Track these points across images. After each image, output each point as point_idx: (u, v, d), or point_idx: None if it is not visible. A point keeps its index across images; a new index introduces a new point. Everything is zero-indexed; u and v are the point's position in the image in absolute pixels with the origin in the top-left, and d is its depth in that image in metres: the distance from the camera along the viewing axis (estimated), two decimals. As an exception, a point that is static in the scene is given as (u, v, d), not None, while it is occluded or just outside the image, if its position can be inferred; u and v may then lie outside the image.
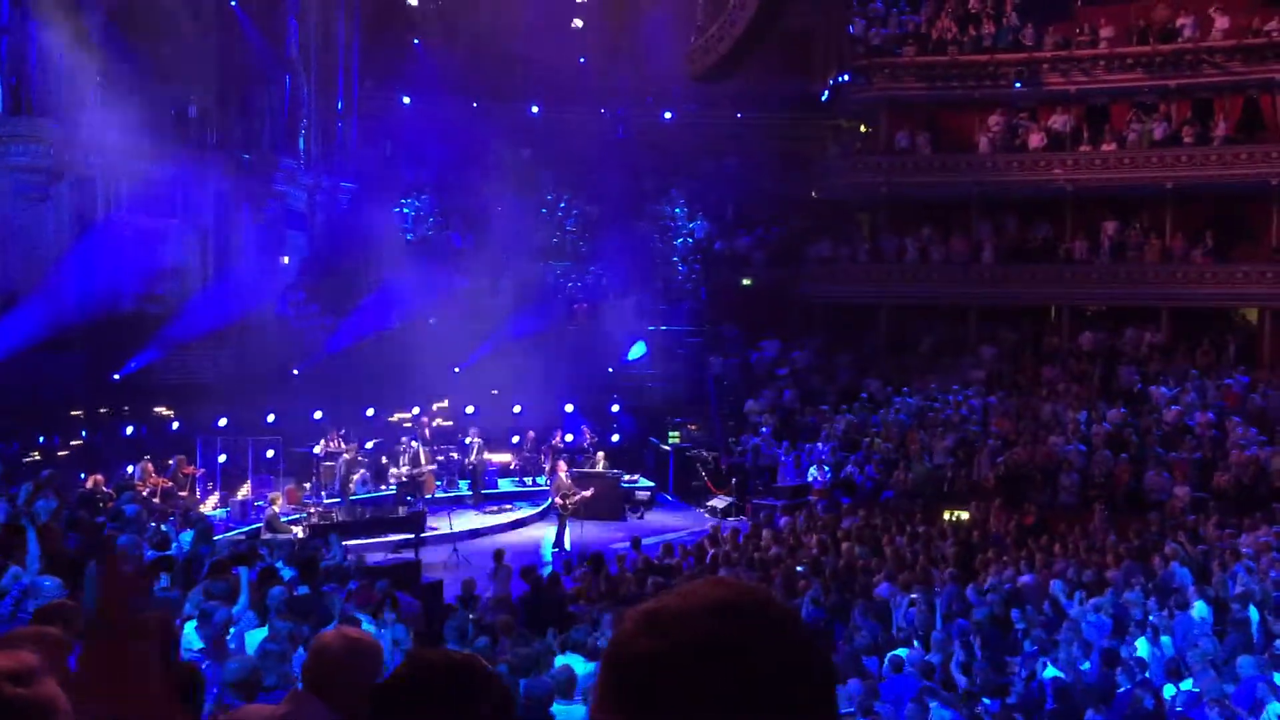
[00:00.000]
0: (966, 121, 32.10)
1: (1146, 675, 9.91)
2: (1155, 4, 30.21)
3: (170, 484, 19.55)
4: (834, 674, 1.34)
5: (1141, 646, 11.07)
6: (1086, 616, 12.38)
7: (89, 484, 17.37)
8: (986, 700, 9.44)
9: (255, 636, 8.25)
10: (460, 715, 2.33)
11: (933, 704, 8.77)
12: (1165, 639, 11.37)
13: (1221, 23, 29.01)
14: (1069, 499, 22.04)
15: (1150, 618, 12.21)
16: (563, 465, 22.12)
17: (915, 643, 11.54)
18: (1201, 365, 27.27)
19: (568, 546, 20.31)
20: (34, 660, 1.42)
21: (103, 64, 22.81)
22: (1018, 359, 29.61)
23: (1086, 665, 10.48)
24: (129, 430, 21.17)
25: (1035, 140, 31.11)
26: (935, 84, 31.67)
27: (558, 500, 21.27)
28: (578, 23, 34.71)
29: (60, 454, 19.59)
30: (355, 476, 22.42)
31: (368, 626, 9.36)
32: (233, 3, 27.51)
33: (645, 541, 18.72)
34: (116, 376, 22.10)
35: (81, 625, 4.69)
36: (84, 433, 20.87)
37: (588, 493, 21.23)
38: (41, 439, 19.59)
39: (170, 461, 20.10)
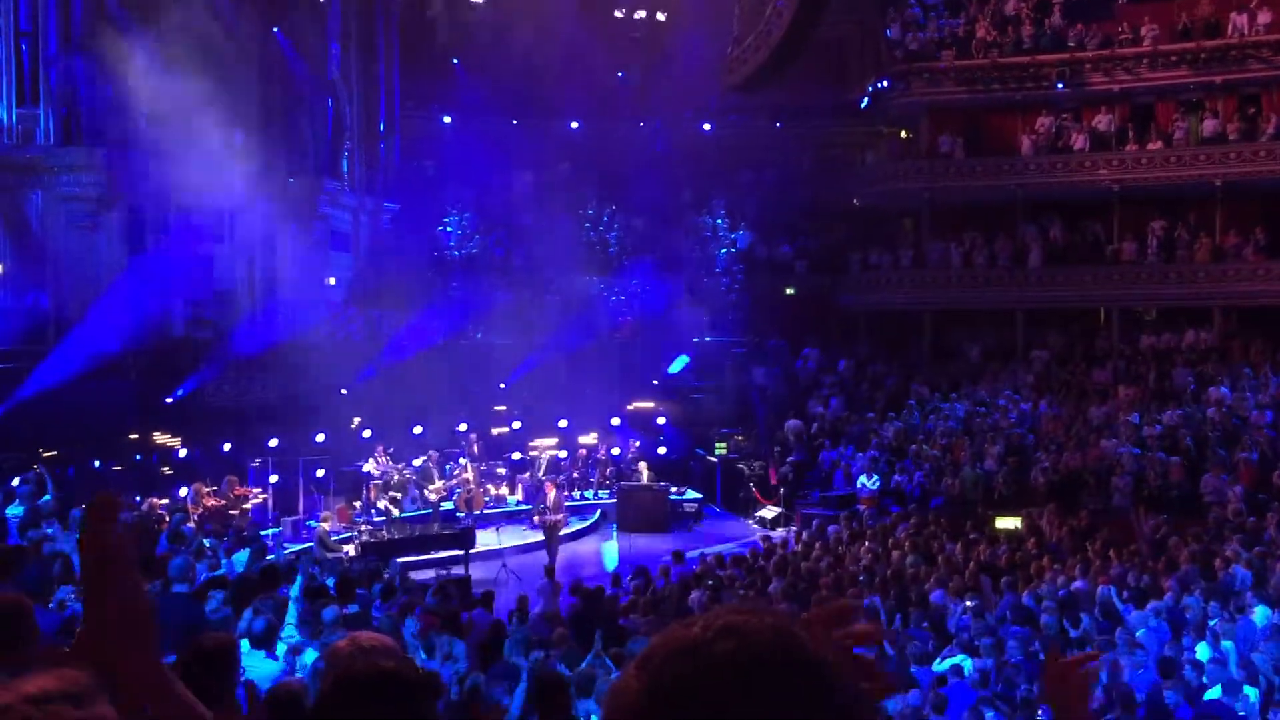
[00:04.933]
0: (1009, 124, 31.83)
1: (1204, 680, 9.74)
2: (1198, 0, 29.83)
3: (223, 504, 19.77)
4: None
5: (1202, 651, 10.88)
6: (1148, 622, 12.19)
7: (145, 507, 17.60)
8: (1043, 710, 9.30)
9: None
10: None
11: (989, 713, 8.66)
12: (1226, 643, 11.16)
13: (1265, 17, 28.59)
14: (1122, 502, 21.72)
15: (1211, 622, 11.99)
16: (550, 485, 21.96)
17: (972, 650, 11.40)
18: (1256, 364, 26.80)
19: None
20: (87, 679, 1.42)
21: (149, 92, 23.17)
22: (1067, 362, 29.26)
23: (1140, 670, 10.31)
24: (182, 453, 21.44)
25: (1079, 141, 30.78)
26: (976, 87, 31.44)
27: (538, 519, 21.15)
28: (615, 37, 34.81)
29: (114, 476, 19.87)
30: (397, 499, 22.54)
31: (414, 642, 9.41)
32: (275, 29, 27.87)
33: (692, 553, 18.69)
34: (169, 400, 22.40)
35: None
36: (138, 456, 21.16)
37: (559, 516, 21.01)
38: (96, 464, 19.87)
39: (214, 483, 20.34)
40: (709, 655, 1.15)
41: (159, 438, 21.69)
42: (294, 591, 10.49)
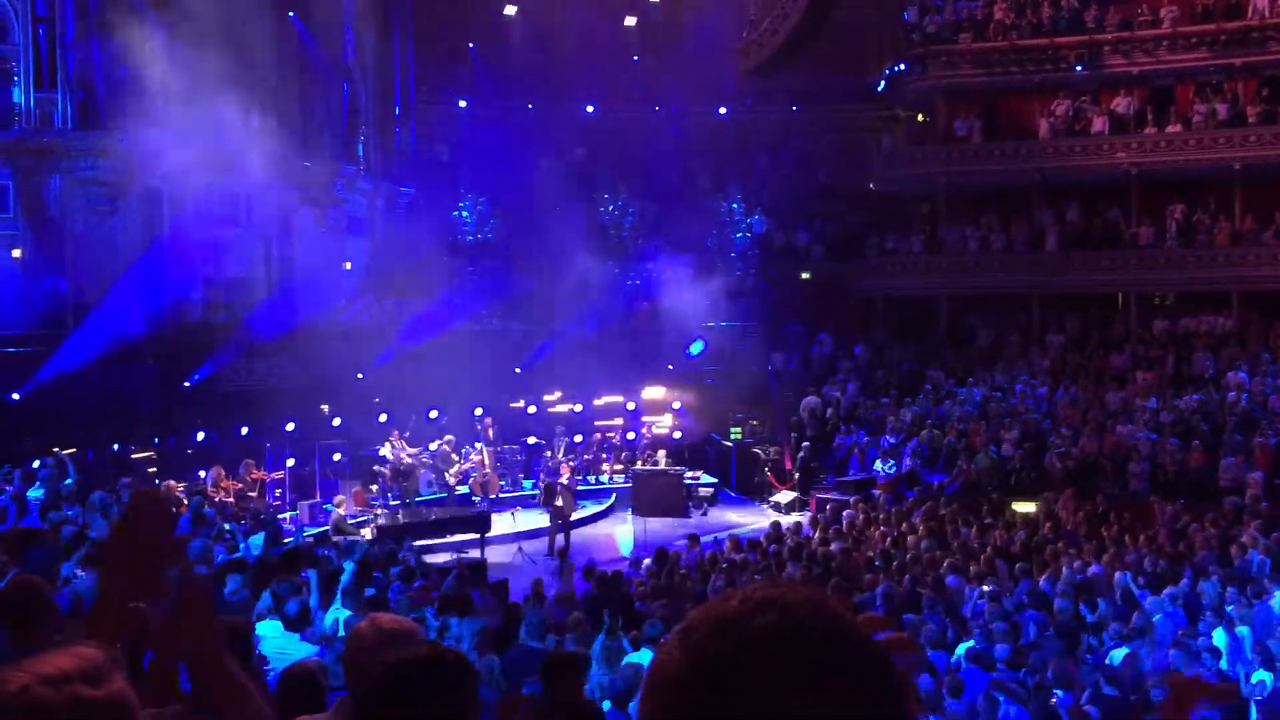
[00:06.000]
0: (1026, 107, 31.64)
1: (1222, 665, 9.72)
2: (1219, -19, 29.59)
3: (240, 487, 19.89)
4: (898, 704, 1.20)
5: (1218, 636, 10.85)
6: (1164, 607, 12.17)
7: (163, 490, 17.72)
8: (1059, 693, 9.30)
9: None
10: (442, 707, 2.44)
11: (1001, 698, 8.66)
12: (1243, 629, 11.13)
13: (1288, -2, 28.35)
14: (1139, 488, 21.66)
15: (1228, 608, 11.96)
16: (566, 467, 21.80)
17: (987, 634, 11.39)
18: (1275, 349, 26.64)
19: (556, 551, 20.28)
20: (101, 657, 1.43)
21: (166, 77, 23.23)
22: (1084, 347, 29.14)
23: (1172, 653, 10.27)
24: (200, 437, 21.57)
25: (1098, 124, 30.57)
26: (994, 70, 31.25)
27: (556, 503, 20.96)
28: (630, 21, 34.74)
29: (134, 460, 20.02)
30: (414, 470, 22.63)
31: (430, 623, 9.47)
32: (291, 13, 27.88)
33: (706, 538, 18.72)
34: (186, 384, 22.52)
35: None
36: (156, 440, 21.30)
37: (559, 501, 20.78)
38: (115, 447, 20.01)
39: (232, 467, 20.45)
40: (750, 627, 1.18)
41: (177, 421, 21.82)
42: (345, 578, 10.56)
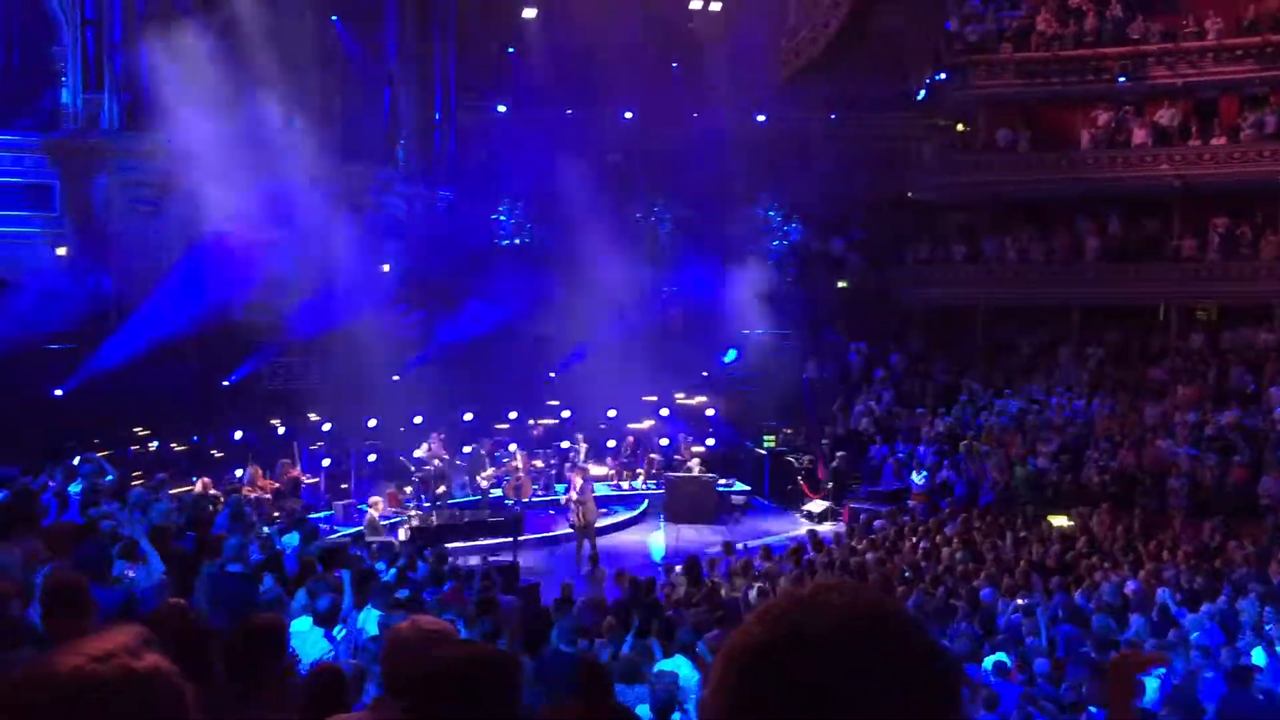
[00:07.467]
0: (1068, 118, 31.35)
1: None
2: (1265, -7, 29.20)
3: (277, 486, 20.07)
4: (955, 688, 1.36)
5: (1257, 655, 10.72)
6: (1201, 625, 12.04)
7: (198, 487, 17.92)
8: (1093, 710, 9.23)
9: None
10: (496, 704, 2.46)
11: (1035, 713, 8.60)
12: (1282, 648, 10.99)
13: (1337, 10, 27.94)
14: (1178, 503, 21.42)
15: (1266, 626, 11.82)
16: (578, 475, 21.58)
17: (1017, 649, 11.31)
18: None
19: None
20: (142, 633, 1.51)
21: (210, 79, 23.53)
22: (1124, 360, 28.84)
23: (1209, 674, 10.16)
24: (238, 435, 21.79)
25: (1140, 135, 30.26)
26: (1035, 80, 30.98)
27: (576, 516, 20.47)
28: (669, 28, 34.80)
29: (173, 457, 20.26)
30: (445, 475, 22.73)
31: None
32: (333, 17, 28.15)
33: (738, 545, 18.68)
34: (226, 383, 22.76)
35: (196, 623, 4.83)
36: (195, 438, 21.55)
37: (589, 515, 20.45)
38: (155, 444, 20.26)
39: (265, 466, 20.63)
40: (821, 605, 1.35)
41: (215, 419, 22.08)
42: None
